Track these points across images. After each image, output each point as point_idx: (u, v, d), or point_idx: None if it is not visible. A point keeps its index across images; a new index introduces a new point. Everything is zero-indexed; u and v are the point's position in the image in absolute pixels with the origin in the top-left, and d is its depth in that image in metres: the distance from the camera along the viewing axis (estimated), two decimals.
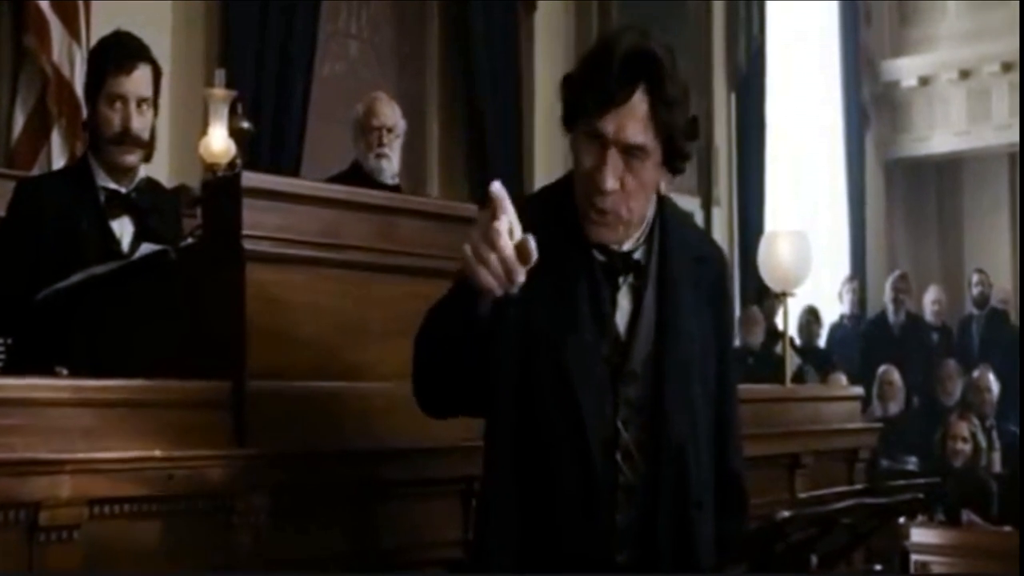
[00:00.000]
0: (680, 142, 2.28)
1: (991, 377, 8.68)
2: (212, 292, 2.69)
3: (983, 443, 7.46)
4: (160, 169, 4.70)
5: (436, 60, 8.18)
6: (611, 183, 2.22)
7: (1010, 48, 11.75)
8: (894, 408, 8.77)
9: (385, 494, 2.81)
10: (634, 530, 2.28)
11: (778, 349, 7.48)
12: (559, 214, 2.30)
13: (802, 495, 2.16)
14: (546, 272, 2.10)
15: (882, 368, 8.96)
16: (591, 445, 2.23)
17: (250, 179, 2.67)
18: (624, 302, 2.33)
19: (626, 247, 2.34)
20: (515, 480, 2.27)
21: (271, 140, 6.74)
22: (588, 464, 2.24)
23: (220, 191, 2.72)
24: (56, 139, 5.72)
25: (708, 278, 2.45)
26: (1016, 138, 11.77)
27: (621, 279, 2.33)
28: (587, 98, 2.24)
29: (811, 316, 10.03)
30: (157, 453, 2.42)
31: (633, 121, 2.21)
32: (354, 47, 7.87)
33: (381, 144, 4.99)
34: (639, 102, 2.21)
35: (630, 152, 2.22)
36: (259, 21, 6.71)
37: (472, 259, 2.00)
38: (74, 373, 2.68)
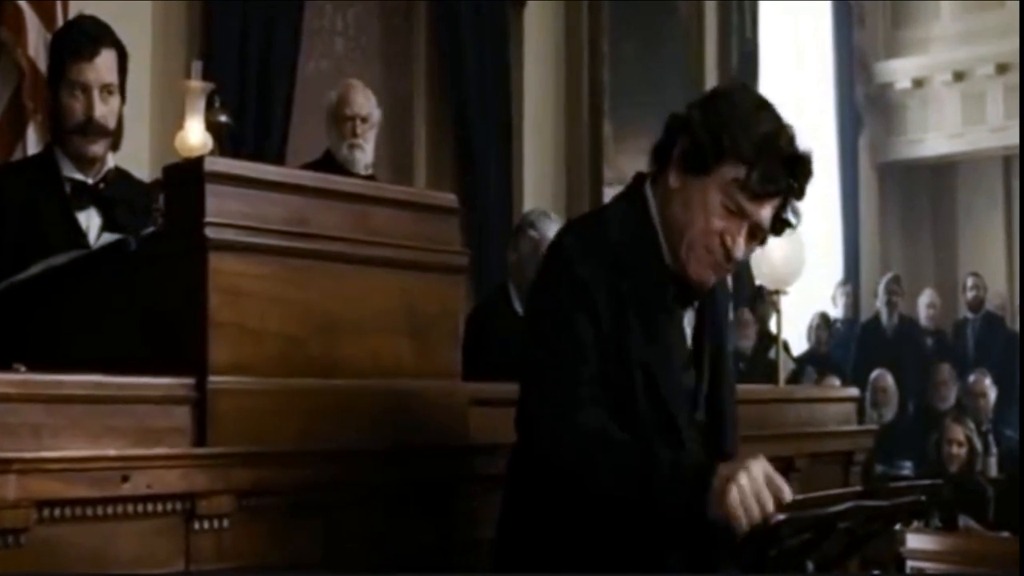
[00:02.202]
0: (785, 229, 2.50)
1: (987, 381, 8.58)
2: (173, 283, 2.55)
3: (979, 447, 7.33)
4: (140, 163, 4.58)
5: (423, 57, 8.08)
6: (740, 253, 2.40)
7: (1004, 50, 11.67)
8: (888, 414, 8.66)
9: (357, 497, 2.67)
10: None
11: (771, 353, 7.39)
12: (643, 246, 2.43)
13: (797, 497, 2.05)
14: (638, 305, 2.37)
15: (875, 373, 8.86)
16: (685, 443, 2.41)
17: (213, 164, 2.54)
18: (687, 327, 2.51)
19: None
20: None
21: (254, 137, 6.63)
22: (678, 435, 2.41)
23: (181, 176, 2.58)
24: (32, 134, 5.59)
25: (729, 299, 2.81)
26: (1010, 140, 11.70)
27: (689, 308, 2.51)
28: (755, 181, 2.35)
29: (822, 321, 9.94)
30: (111, 452, 2.29)
31: (771, 211, 2.41)
32: (340, 44, 7.77)
33: (355, 134, 4.85)
34: (780, 198, 2.41)
35: (756, 234, 2.42)
36: (240, 16, 6.59)
37: (738, 505, 2.10)
38: (31, 370, 2.54)
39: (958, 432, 7.21)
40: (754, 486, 2.11)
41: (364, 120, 4.88)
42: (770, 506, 2.10)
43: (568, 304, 2.35)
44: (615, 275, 2.36)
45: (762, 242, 2.47)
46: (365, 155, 4.89)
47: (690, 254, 2.40)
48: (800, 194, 2.42)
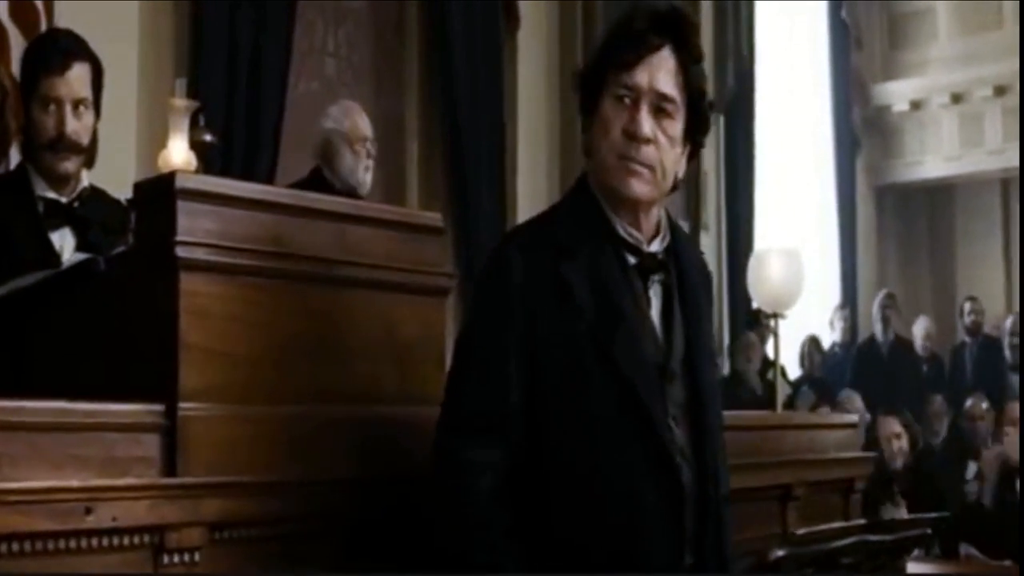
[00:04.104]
0: (704, 107, 2.37)
1: (984, 406, 8.48)
2: (142, 305, 2.43)
3: (920, 439, 7.24)
4: (126, 183, 4.48)
5: (415, 78, 8.00)
6: (647, 128, 2.28)
7: (1002, 72, 11.66)
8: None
9: (335, 529, 2.54)
10: (695, 532, 2.30)
11: (769, 374, 7.30)
12: (587, 219, 2.35)
13: (799, 531, 1.94)
14: (588, 279, 2.26)
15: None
16: (667, 444, 2.26)
17: (185, 180, 2.42)
18: (655, 302, 2.38)
19: (654, 247, 2.38)
20: (574, 499, 2.25)
21: (243, 158, 6.53)
22: (668, 461, 2.26)
23: (152, 193, 2.46)
24: (15, 155, 5.48)
25: (707, 288, 2.54)
26: (1009, 163, 11.67)
27: (652, 277, 2.37)
28: (618, 53, 2.31)
29: (813, 345, 9.85)
30: (74, 483, 2.16)
31: (664, 72, 2.30)
32: (331, 65, 7.68)
33: (369, 157, 4.87)
34: (668, 56, 2.31)
35: (661, 106, 2.30)
36: (229, 36, 6.49)
37: None
38: None
39: (893, 424, 7.09)
40: None
41: (373, 142, 4.89)
42: None
43: (492, 321, 2.30)
44: (562, 259, 2.28)
45: (671, 116, 2.32)
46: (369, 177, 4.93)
47: (607, 173, 2.32)
48: (690, 50, 2.34)
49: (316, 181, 4.79)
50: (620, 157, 2.31)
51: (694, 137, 2.39)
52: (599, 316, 2.26)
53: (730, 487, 2.49)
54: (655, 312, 2.37)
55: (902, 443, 6.99)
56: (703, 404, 2.37)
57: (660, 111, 2.30)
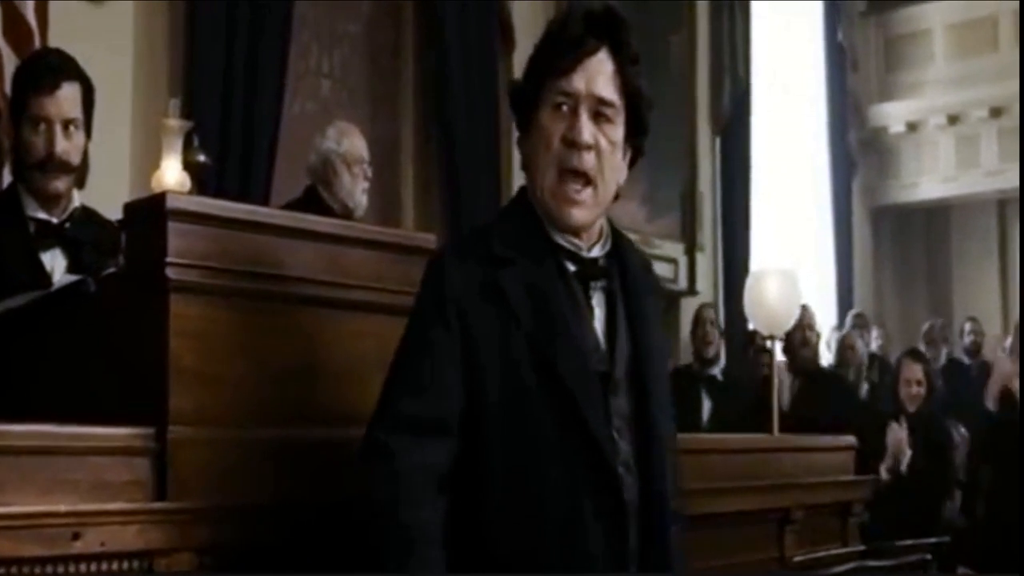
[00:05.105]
0: (643, 108, 2.31)
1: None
2: (132, 327, 2.40)
3: (938, 385, 7.22)
4: (119, 204, 4.46)
5: (410, 98, 7.98)
6: (587, 135, 2.23)
7: (998, 93, 11.67)
8: None
9: (327, 555, 2.50)
10: (640, 547, 2.24)
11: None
12: (524, 229, 2.29)
13: (797, 556, 1.90)
14: (525, 287, 2.19)
15: None
16: (608, 459, 2.19)
17: (175, 200, 2.40)
18: (598, 310, 2.31)
19: (594, 253, 2.32)
20: (512, 514, 2.17)
21: (238, 179, 6.50)
22: (610, 477, 2.19)
23: (142, 213, 2.44)
24: (6, 176, 5.46)
25: (656, 297, 2.47)
26: (1005, 184, 11.69)
27: (593, 284, 2.31)
28: (554, 60, 2.26)
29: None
30: (62, 508, 2.13)
31: (602, 76, 2.25)
32: (326, 86, 7.66)
33: (366, 179, 4.86)
34: (605, 59, 2.26)
35: (600, 111, 2.25)
36: (224, 57, 6.47)
37: None
38: None
39: (916, 371, 7.08)
40: None
41: (369, 165, 4.88)
42: None
43: (427, 329, 2.22)
44: (495, 267, 2.21)
45: (611, 120, 2.27)
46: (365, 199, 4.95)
47: (546, 201, 2.26)
48: (627, 51, 2.28)
49: (311, 201, 4.76)
50: (559, 175, 2.24)
51: (634, 141, 2.34)
52: (537, 325, 2.20)
53: (679, 497, 2.40)
54: (598, 320, 2.30)
55: (921, 389, 6.98)
56: (650, 414, 2.29)
57: (600, 116, 2.25)
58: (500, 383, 2.19)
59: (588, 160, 2.24)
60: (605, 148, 2.25)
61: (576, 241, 2.31)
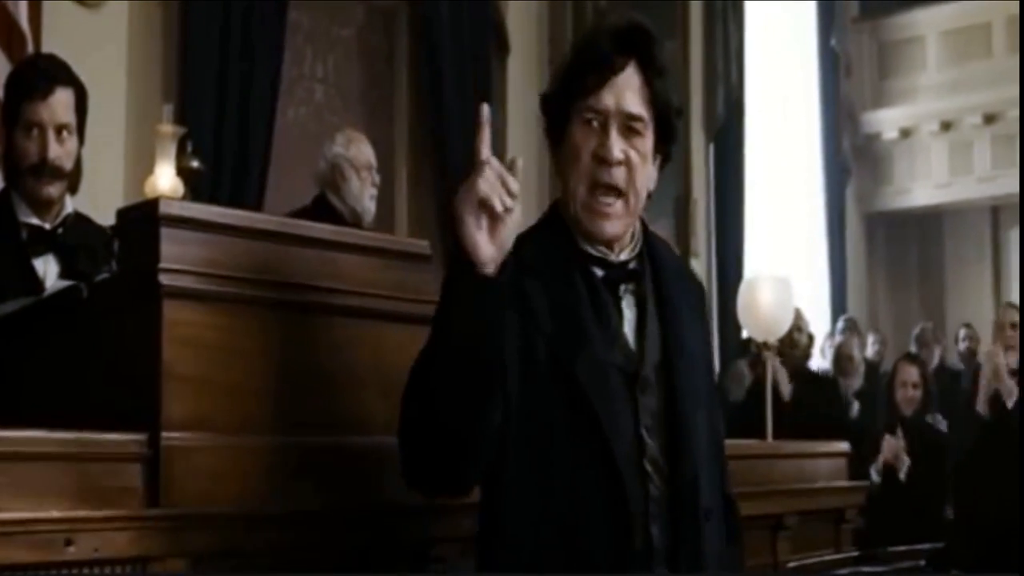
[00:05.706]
0: (672, 118, 2.34)
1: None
2: (125, 333, 2.39)
3: (933, 390, 7.24)
4: (113, 210, 4.46)
5: (405, 105, 8.00)
6: (618, 151, 2.25)
7: (992, 100, 11.69)
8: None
9: (321, 562, 2.50)
10: (666, 544, 2.24)
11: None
12: (553, 239, 2.34)
13: (791, 564, 1.90)
14: (548, 294, 2.23)
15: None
16: (617, 460, 2.20)
17: (169, 206, 2.39)
18: (628, 312, 2.33)
19: (622, 257, 2.35)
20: (535, 513, 2.20)
21: (232, 184, 6.50)
22: (617, 480, 2.19)
23: (135, 219, 2.43)
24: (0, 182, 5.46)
25: (695, 295, 2.50)
26: (998, 191, 11.71)
27: (623, 287, 2.33)
28: (583, 77, 2.28)
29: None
30: (54, 514, 2.12)
31: (631, 91, 2.27)
32: (320, 91, 7.67)
33: (374, 184, 4.87)
34: (633, 74, 2.28)
35: (630, 126, 2.27)
36: (218, 63, 6.48)
37: (466, 193, 2.11)
38: None
39: (912, 373, 7.07)
40: (492, 175, 2.14)
41: (377, 171, 4.90)
42: (514, 187, 2.14)
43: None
44: (521, 274, 2.22)
45: (640, 134, 2.28)
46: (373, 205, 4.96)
47: (578, 213, 2.30)
48: (654, 64, 2.30)
49: (320, 209, 4.75)
50: (591, 188, 2.28)
51: (664, 148, 2.36)
52: (558, 331, 2.22)
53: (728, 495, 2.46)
54: (628, 322, 2.32)
55: (917, 392, 6.97)
56: (682, 411, 2.29)
57: (629, 130, 2.28)
58: (520, 385, 2.19)
59: (619, 175, 2.27)
60: (636, 161, 2.28)
61: (604, 248, 2.33)
